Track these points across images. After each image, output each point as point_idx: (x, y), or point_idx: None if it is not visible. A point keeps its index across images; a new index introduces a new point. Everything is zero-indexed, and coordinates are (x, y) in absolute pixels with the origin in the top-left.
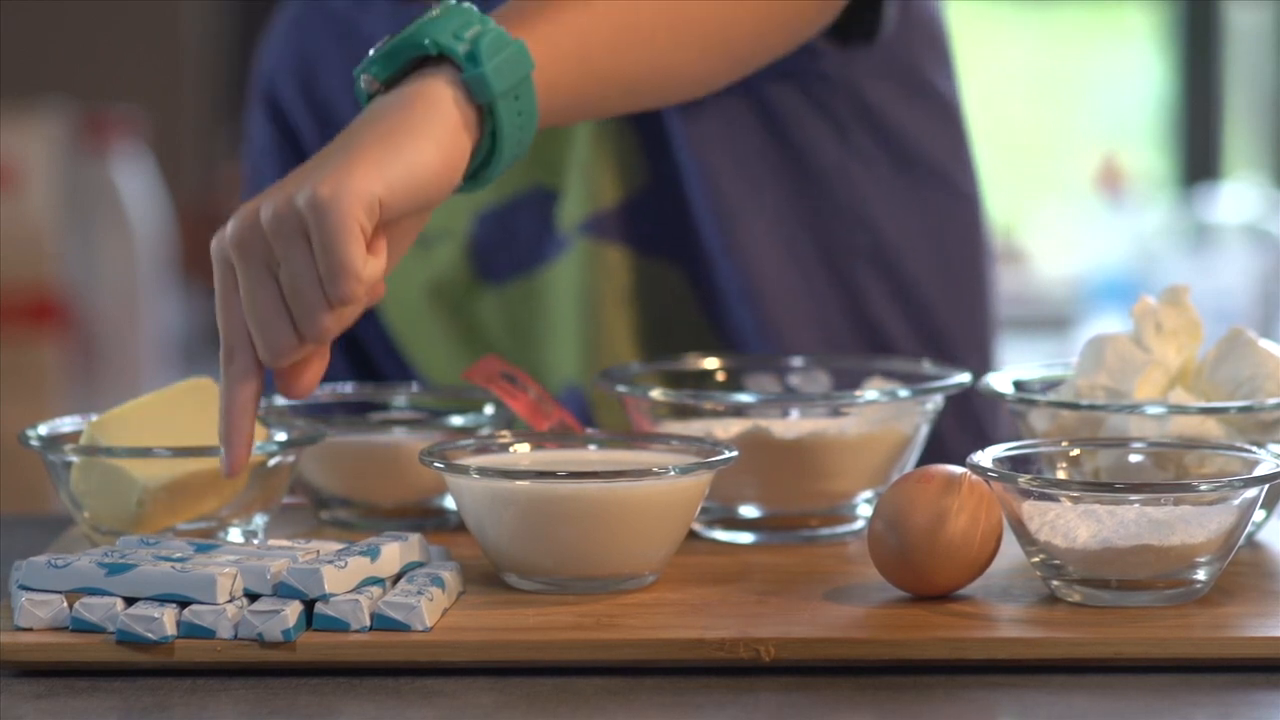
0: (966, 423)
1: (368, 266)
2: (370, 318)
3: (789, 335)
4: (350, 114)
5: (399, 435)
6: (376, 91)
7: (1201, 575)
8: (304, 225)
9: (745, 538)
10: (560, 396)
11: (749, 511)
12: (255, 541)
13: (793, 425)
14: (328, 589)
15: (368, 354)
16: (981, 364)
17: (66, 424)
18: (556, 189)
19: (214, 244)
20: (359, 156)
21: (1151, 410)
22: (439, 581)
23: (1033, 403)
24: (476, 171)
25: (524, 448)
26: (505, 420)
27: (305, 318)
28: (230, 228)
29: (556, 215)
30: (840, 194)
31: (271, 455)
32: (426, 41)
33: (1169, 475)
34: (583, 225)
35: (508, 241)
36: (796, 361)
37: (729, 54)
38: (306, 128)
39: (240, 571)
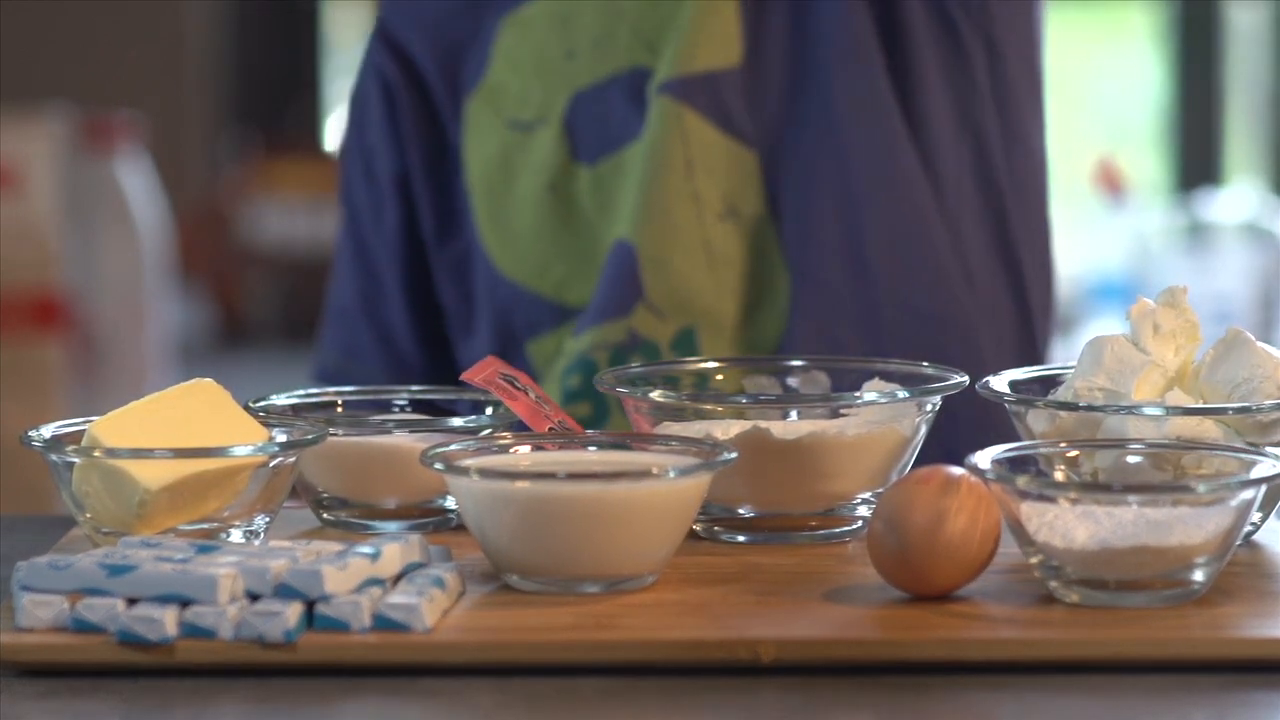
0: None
1: None
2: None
3: (872, 249)
4: (461, 33)
5: (399, 436)
6: None
7: (1199, 576)
8: None
9: (744, 538)
10: (611, 252)
11: (748, 512)
12: (256, 542)
13: (792, 426)
14: (328, 590)
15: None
16: (1045, 324)
17: (68, 425)
18: (653, 67)
19: None
20: None
21: (1149, 411)
22: (439, 582)
23: (1031, 404)
24: None
25: (524, 449)
26: (507, 422)
27: None
28: None
29: (648, 91)
30: (944, 109)
31: (272, 456)
32: None
33: (1167, 476)
34: (665, 85)
35: (601, 121)
36: (796, 362)
37: None
38: (420, 54)
39: (241, 572)
